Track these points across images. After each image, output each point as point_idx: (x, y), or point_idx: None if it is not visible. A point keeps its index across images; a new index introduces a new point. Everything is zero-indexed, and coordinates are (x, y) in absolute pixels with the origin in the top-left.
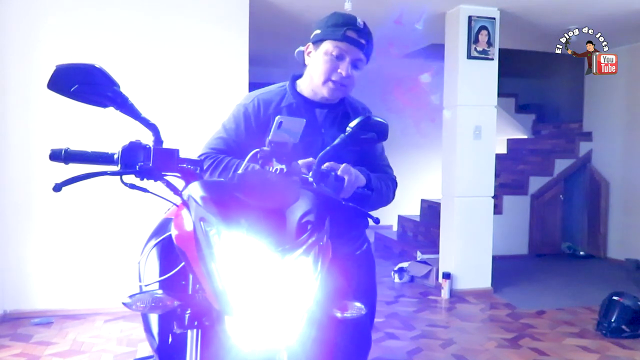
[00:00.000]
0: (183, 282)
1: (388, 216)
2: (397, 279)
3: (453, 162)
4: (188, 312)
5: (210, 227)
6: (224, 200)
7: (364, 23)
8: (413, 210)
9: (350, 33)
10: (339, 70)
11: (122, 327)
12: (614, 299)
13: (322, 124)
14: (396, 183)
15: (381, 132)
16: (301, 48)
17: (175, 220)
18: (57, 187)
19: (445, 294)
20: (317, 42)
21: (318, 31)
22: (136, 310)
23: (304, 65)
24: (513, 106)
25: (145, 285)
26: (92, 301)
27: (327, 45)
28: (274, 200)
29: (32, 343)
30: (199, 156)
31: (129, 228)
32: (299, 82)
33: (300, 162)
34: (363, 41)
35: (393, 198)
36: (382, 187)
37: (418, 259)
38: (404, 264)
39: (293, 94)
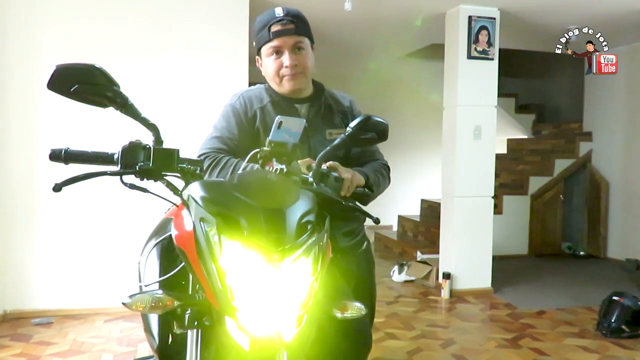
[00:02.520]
0: (183, 282)
1: (388, 216)
2: (397, 277)
3: (453, 162)
4: (188, 312)
5: (210, 227)
6: (224, 200)
7: (284, 8)
8: (413, 210)
9: (275, 27)
10: (284, 65)
11: (122, 327)
12: (614, 299)
13: (304, 118)
14: (389, 168)
15: (381, 132)
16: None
17: (175, 220)
18: (57, 187)
19: (445, 294)
20: (258, 52)
21: (254, 43)
22: (136, 311)
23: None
24: (513, 106)
25: (145, 285)
26: (92, 301)
27: (264, 50)
28: (274, 200)
29: (32, 343)
30: (198, 157)
31: (129, 228)
32: None
33: (299, 161)
34: (291, 26)
35: (389, 183)
36: (379, 179)
37: (418, 259)
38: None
39: (273, 93)
